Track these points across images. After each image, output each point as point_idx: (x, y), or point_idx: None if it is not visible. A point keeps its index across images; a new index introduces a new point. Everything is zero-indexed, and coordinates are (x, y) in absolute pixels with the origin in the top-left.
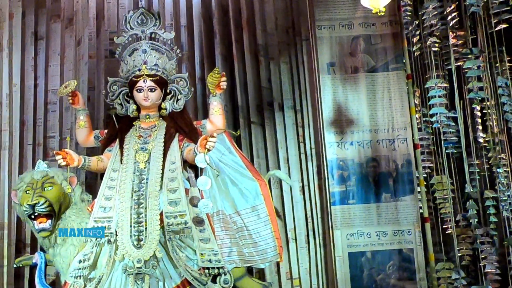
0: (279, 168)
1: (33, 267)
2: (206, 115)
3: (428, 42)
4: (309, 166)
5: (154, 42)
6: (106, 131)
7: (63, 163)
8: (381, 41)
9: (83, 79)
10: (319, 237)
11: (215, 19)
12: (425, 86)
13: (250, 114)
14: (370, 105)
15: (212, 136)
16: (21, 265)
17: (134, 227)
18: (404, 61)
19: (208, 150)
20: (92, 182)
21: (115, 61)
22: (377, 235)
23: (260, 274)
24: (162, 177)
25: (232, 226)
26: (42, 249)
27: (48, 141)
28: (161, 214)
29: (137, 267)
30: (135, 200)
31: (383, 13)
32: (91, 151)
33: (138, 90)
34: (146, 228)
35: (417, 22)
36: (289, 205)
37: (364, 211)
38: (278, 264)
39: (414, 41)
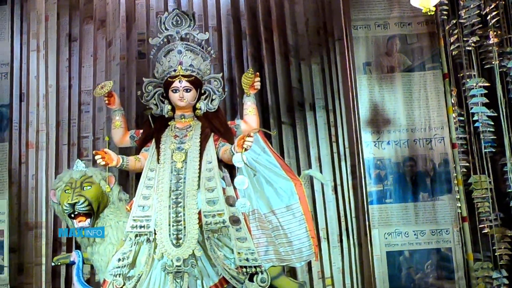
0: (310, 167)
1: (68, 266)
2: (234, 115)
3: (469, 41)
4: (342, 166)
5: (189, 43)
6: (141, 131)
7: (102, 163)
8: (417, 40)
9: (115, 80)
10: (353, 237)
11: (244, 20)
12: (467, 86)
13: (281, 115)
14: (407, 104)
15: (249, 136)
16: (59, 264)
17: (173, 226)
18: (440, 60)
19: (245, 149)
20: (122, 181)
21: (145, 62)
22: (415, 234)
23: (291, 273)
24: (199, 177)
25: (268, 225)
26: (78, 248)
27: (82, 141)
28: (199, 213)
29: (176, 266)
30: (173, 199)
31: (432, 13)
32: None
33: (174, 91)
34: (184, 227)
35: (454, 21)
36: (320, 205)
37: (401, 210)
38: (309, 263)
39: (452, 40)
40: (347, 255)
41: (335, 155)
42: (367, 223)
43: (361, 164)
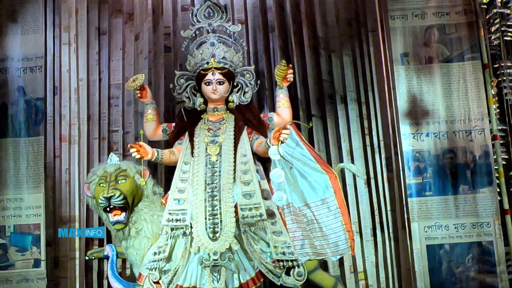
0: (341, 161)
1: (100, 260)
2: (261, 109)
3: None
4: (376, 159)
5: (221, 35)
6: (173, 124)
7: (137, 156)
8: (455, 30)
9: (144, 73)
10: (388, 230)
11: (271, 13)
12: (506, 76)
13: (310, 108)
14: (446, 95)
15: (285, 128)
16: (93, 258)
17: (209, 219)
18: (480, 50)
19: (282, 142)
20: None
21: (171, 56)
22: (455, 228)
23: (323, 267)
24: (234, 170)
25: (303, 219)
26: (109, 242)
27: (112, 135)
28: (235, 206)
29: (213, 259)
30: (208, 192)
31: None
32: (152, 145)
33: (207, 83)
34: (221, 221)
35: (494, 11)
36: (352, 198)
37: (441, 203)
38: (341, 257)
39: (493, 30)
40: (382, 249)
41: (368, 148)
42: (405, 216)
43: (399, 157)
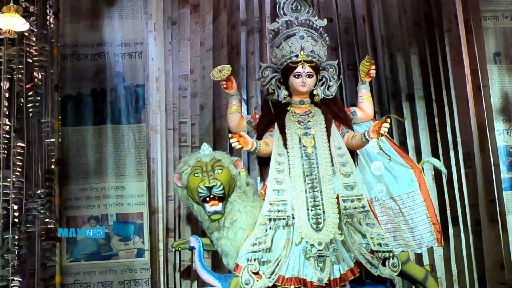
0: None
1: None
2: None
3: None
4: (450, 155)
5: (309, 29)
6: (257, 116)
7: (238, 146)
8: None
9: (207, 65)
10: (464, 224)
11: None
12: None
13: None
14: None
15: (386, 122)
16: (179, 249)
17: (311, 210)
18: None
19: (381, 135)
20: None
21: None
22: None
23: None
24: (331, 162)
25: (390, 212)
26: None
27: (180, 126)
28: (336, 197)
29: (318, 250)
30: (308, 184)
31: None
32: None
33: (296, 76)
34: (323, 212)
35: None
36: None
37: None
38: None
39: None
40: (454, 243)
41: (439, 145)
42: (497, 209)
43: (490, 152)
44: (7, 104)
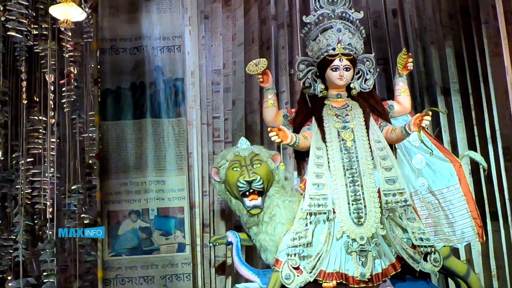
0: None
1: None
2: None
3: None
4: (489, 149)
5: (345, 22)
6: (293, 110)
7: (278, 140)
8: None
9: (238, 60)
10: (505, 218)
11: (363, 7)
12: None
13: None
14: None
15: (427, 115)
16: (217, 244)
17: (353, 204)
18: None
19: (423, 128)
20: None
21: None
22: None
23: None
24: (371, 155)
25: (429, 206)
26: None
27: (213, 121)
28: (377, 191)
29: (360, 245)
30: (349, 178)
31: None
32: None
33: (334, 69)
34: (365, 206)
35: None
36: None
37: None
38: None
39: None
40: (492, 238)
41: (477, 139)
42: None
43: None
44: (52, 97)
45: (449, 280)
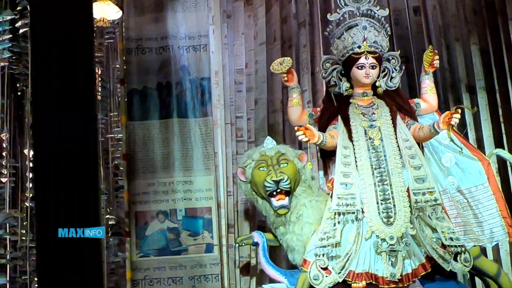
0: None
1: None
2: None
3: None
4: None
5: (371, 19)
6: (318, 109)
7: (305, 139)
8: None
9: (260, 59)
10: None
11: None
12: None
13: None
14: None
15: (456, 112)
16: (243, 244)
17: (382, 204)
18: None
19: (452, 126)
20: None
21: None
22: None
23: None
24: (399, 154)
25: (458, 205)
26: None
27: (237, 121)
28: (407, 190)
29: (390, 245)
30: (377, 177)
31: None
32: None
33: (360, 67)
34: (394, 205)
35: None
36: None
37: None
38: None
39: None
40: None
41: (504, 136)
42: None
43: None
44: None
45: (476, 279)
